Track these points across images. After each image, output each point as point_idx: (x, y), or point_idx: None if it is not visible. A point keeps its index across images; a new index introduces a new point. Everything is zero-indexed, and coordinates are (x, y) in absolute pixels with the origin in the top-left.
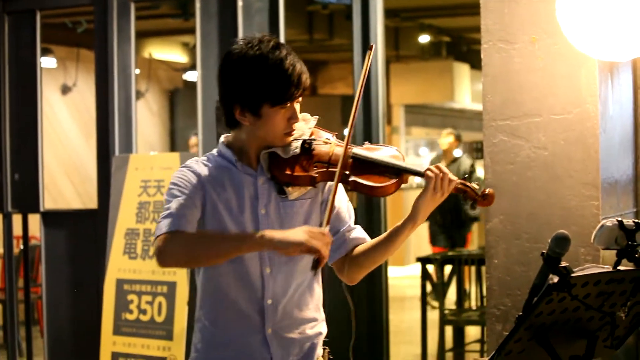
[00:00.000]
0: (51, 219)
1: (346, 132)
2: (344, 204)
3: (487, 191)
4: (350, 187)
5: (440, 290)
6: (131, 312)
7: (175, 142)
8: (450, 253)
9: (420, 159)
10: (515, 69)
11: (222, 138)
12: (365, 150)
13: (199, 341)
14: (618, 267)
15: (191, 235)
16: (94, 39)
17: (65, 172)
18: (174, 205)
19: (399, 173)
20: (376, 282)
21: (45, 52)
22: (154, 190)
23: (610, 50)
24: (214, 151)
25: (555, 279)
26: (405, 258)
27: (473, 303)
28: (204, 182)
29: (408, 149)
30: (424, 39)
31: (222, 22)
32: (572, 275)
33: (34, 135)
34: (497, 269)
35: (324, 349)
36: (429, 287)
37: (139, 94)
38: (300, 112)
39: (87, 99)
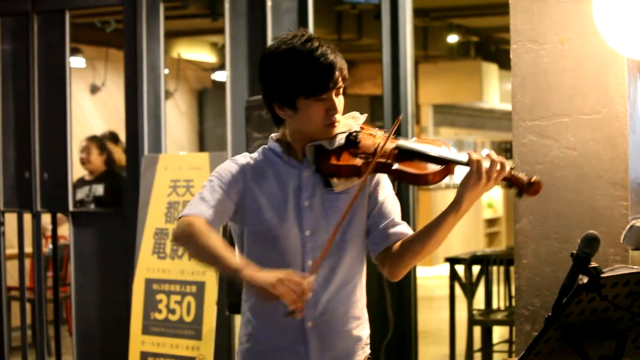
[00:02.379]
0: (80, 218)
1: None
2: (389, 198)
3: (533, 179)
4: (394, 176)
5: (468, 290)
6: (160, 311)
7: (204, 142)
8: (478, 253)
9: None
10: (544, 69)
11: (273, 135)
12: (410, 142)
13: (243, 334)
14: None
15: (198, 232)
16: (123, 39)
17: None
18: (206, 192)
19: (444, 163)
20: (405, 282)
21: (74, 51)
22: (183, 190)
23: None
24: (265, 145)
25: (585, 280)
26: (433, 258)
27: (502, 303)
28: (247, 175)
29: None
30: (453, 38)
31: (251, 22)
32: (602, 275)
33: (63, 134)
34: (526, 269)
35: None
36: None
37: (168, 94)
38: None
39: (116, 98)
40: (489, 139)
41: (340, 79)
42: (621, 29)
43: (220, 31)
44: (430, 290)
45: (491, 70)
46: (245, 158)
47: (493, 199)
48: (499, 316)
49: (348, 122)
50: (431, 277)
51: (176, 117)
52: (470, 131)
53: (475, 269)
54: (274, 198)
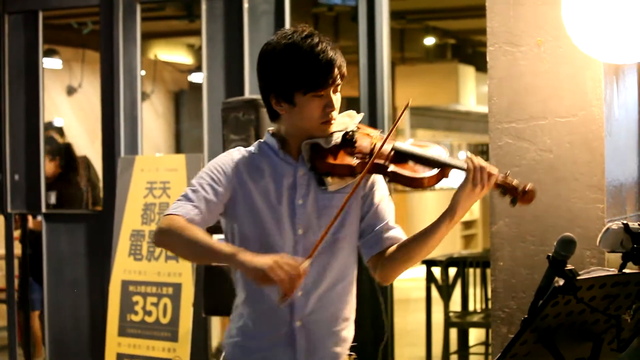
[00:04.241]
0: (55, 220)
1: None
2: (384, 200)
3: (527, 187)
4: (389, 178)
5: (445, 293)
6: (136, 313)
7: (181, 143)
8: (455, 255)
9: None
10: (521, 71)
11: (269, 129)
12: (407, 145)
13: (234, 327)
14: (623, 270)
15: (184, 228)
16: (100, 40)
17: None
18: (194, 190)
19: (441, 166)
20: (381, 285)
21: (51, 53)
22: (160, 192)
23: (615, 53)
24: (262, 139)
25: (561, 282)
26: None
27: (478, 305)
28: (240, 170)
29: None
30: (430, 41)
31: (227, 23)
32: (578, 278)
33: (36, 136)
34: (503, 271)
35: (350, 355)
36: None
37: (145, 96)
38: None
39: (93, 100)
40: (466, 141)
41: (339, 76)
42: (592, 33)
43: (197, 33)
44: (407, 292)
45: (468, 72)
46: (240, 152)
47: None
48: (475, 318)
49: (344, 121)
50: (408, 279)
51: (153, 119)
52: (447, 133)
53: (452, 271)
54: (268, 195)
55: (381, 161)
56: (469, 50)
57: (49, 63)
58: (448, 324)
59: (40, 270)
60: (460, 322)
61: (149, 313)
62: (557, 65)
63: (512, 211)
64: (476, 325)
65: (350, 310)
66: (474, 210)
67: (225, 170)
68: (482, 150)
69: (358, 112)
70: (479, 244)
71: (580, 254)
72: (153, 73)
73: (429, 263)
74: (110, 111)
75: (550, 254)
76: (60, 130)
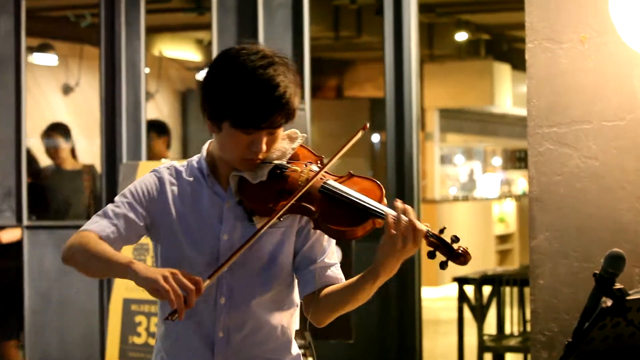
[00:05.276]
0: (39, 233)
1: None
2: (322, 235)
3: (461, 249)
4: (314, 226)
5: (478, 314)
6: (139, 335)
7: (188, 148)
8: (490, 273)
9: (456, 168)
10: (563, 70)
11: (205, 146)
12: (337, 183)
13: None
14: None
15: (89, 243)
16: (100, 35)
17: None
18: (112, 206)
19: (372, 214)
20: (409, 304)
21: (45, 48)
22: None
23: None
24: (196, 157)
25: (609, 302)
26: (439, 277)
27: (515, 328)
28: (166, 192)
29: (442, 157)
30: (461, 36)
31: (240, 17)
32: (628, 298)
33: (16, 139)
34: (543, 290)
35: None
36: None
37: (149, 95)
38: (286, 129)
39: (91, 100)
40: (501, 146)
41: (280, 120)
42: None
43: (207, 27)
44: (437, 313)
45: (503, 71)
46: (168, 171)
47: (505, 213)
48: (512, 342)
49: (282, 146)
50: (437, 299)
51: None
52: (480, 138)
53: (486, 289)
54: (192, 226)
55: (306, 204)
56: (505, 47)
57: (42, 59)
58: (482, 348)
59: (17, 290)
60: (496, 347)
61: (153, 335)
62: (603, 63)
63: (553, 224)
64: (513, 349)
65: (282, 349)
66: (510, 223)
67: (150, 191)
68: (519, 157)
69: (382, 114)
70: (516, 260)
71: (629, 272)
72: (158, 71)
73: (461, 281)
74: (111, 112)
75: (596, 272)
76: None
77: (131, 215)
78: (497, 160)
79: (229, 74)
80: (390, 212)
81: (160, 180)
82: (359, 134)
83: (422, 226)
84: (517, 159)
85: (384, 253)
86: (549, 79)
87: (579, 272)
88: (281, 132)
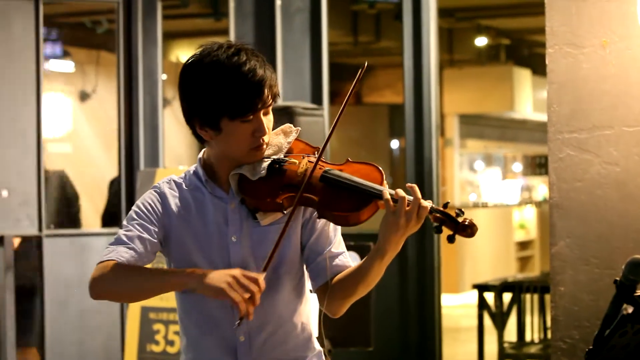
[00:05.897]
0: (59, 240)
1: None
2: (327, 224)
3: (467, 221)
4: (319, 215)
5: (499, 321)
6: (157, 343)
7: None
8: (510, 279)
9: (475, 175)
10: (584, 75)
11: (200, 155)
12: (337, 170)
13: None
14: None
15: (122, 268)
16: (117, 41)
17: (84, 188)
18: (123, 231)
19: (375, 196)
20: (428, 311)
21: (62, 54)
22: None
23: None
24: (193, 167)
25: (630, 310)
26: (459, 284)
27: (535, 335)
28: (169, 208)
29: (462, 163)
30: (481, 41)
31: (258, 23)
32: None
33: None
34: (564, 297)
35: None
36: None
37: (166, 102)
38: (288, 122)
39: (109, 107)
40: (521, 152)
41: (270, 96)
42: None
43: (224, 32)
44: (457, 321)
45: (524, 76)
46: (168, 185)
47: (526, 219)
48: (533, 350)
49: (278, 141)
50: (457, 306)
51: (175, 128)
52: (500, 144)
53: (507, 296)
54: (199, 234)
55: (309, 195)
56: (525, 52)
57: (60, 66)
58: (502, 355)
59: (37, 298)
60: (516, 354)
61: (171, 343)
62: (625, 68)
63: (574, 231)
64: (534, 357)
65: (302, 347)
66: (530, 229)
67: (155, 208)
68: (539, 163)
69: (402, 120)
70: (537, 267)
71: None
72: (175, 77)
73: (481, 288)
74: (128, 119)
75: (617, 279)
76: None
77: (145, 235)
78: (518, 166)
79: (208, 75)
80: (390, 191)
81: (162, 195)
82: (360, 74)
83: (426, 202)
84: (537, 165)
85: (387, 230)
86: (569, 84)
87: (599, 279)
88: (271, 118)
